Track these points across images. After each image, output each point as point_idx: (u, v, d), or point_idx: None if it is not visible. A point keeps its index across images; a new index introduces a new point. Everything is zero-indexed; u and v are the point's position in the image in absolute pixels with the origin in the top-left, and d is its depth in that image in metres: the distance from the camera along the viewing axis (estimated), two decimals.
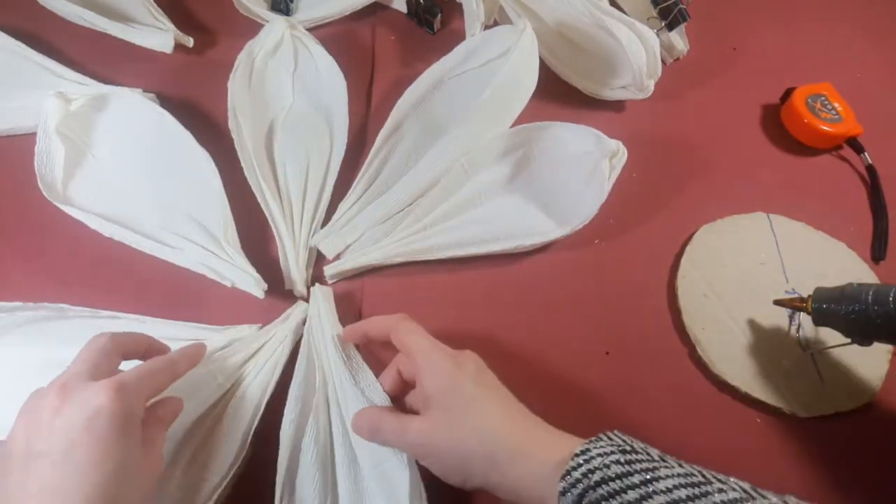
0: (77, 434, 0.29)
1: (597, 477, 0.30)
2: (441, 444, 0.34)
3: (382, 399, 0.40)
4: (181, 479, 0.38)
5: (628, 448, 0.31)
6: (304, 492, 0.38)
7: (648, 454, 0.31)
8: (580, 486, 0.30)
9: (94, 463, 0.29)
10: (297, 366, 0.42)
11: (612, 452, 0.31)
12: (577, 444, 0.32)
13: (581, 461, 0.31)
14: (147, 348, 0.37)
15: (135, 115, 0.51)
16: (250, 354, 0.42)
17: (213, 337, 0.43)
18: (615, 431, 0.33)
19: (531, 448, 0.33)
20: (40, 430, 0.30)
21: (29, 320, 0.43)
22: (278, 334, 0.44)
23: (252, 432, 0.40)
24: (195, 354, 0.39)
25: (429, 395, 0.36)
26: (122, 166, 0.49)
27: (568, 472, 0.31)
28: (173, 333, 0.43)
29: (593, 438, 0.32)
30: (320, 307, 0.45)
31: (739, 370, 0.45)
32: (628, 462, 0.30)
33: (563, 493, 0.30)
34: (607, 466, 0.30)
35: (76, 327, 0.43)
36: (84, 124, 0.50)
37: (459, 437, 0.34)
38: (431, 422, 0.35)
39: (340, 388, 0.40)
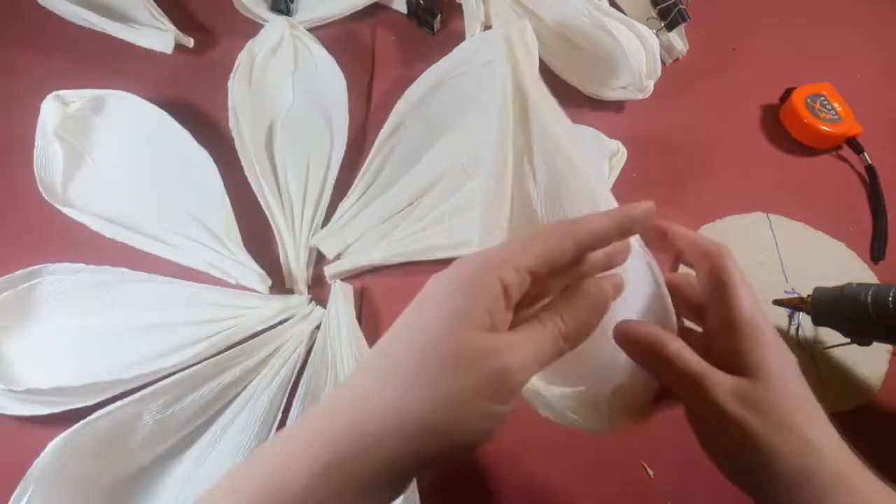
0: None
1: None
2: (756, 424, 0.27)
3: None
4: (196, 471, 0.38)
5: None
6: None
7: None
8: None
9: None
10: (310, 359, 0.43)
11: None
12: None
13: None
14: None
15: (133, 115, 0.51)
16: (264, 357, 0.42)
17: (262, 305, 0.45)
18: None
19: (861, 490, 0.27)
20: None
21: (95, 283, 0.43)
22: (294, 339, 0.44)
23: (269, 437, 0.40)
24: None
25: (751, 363, 0.28)
26: (121, 167, 0.49)
27: None
28: (220, 300, 0.44)
29: None
30: (339, 305, 0.45)
31: None
32: None
33: None
34: None
35: (152, 292, 0.44)
36: (82, 127, 0.50)
37: (785, 431, 0.27)
38: (755, 392, 0.27)
39: None
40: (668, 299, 0.31)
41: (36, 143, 0.48)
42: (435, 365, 0.23)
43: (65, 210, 0.46)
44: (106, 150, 0.50)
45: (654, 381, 0.31)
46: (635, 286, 0.30)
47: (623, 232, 0.27)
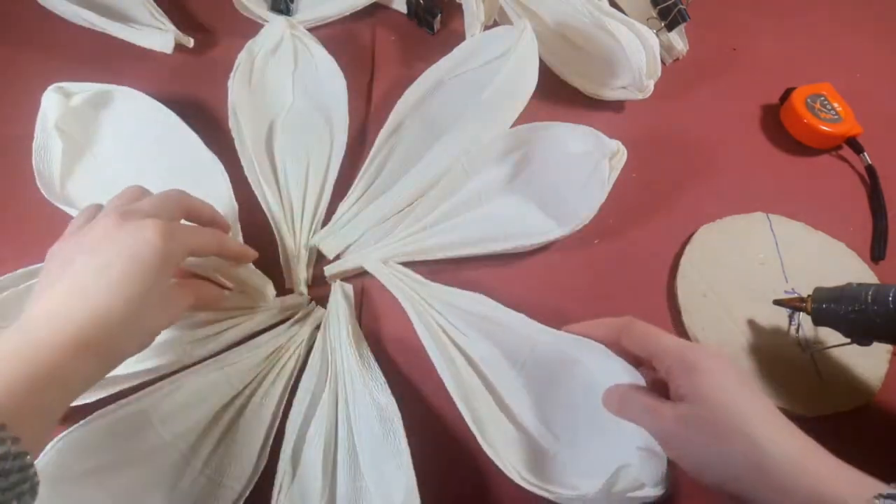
0: (118, 254, 0.33)
1: None
2: (701, 438, 0.32)
3: (389, 401, 0.39)
4: (201, 471, 0.38)
5: None
6: (304, 484, 0.38)
7: None
8: None
9: (124, 281, 0.32)
10: (310, 359, 0.43)
11: None
12: (870, 482, 0.30)
13: (891, 502, 0.28)
14: (209, 219, 0.41)
15: (139, 113, 0.51)
16: (264, 357, 0.42)
17: (262, 305, 0.45)
18: None
19: (812, 468, 0.30)
20: (87, 243, 0.34)
21: None
22: (294, 339, 0.44)
23: (271, 441, 0.40)
24: (244, 251, 0.42)
25: (687, 392, 0.34)
26: (123, 165, 0.49)
27: None
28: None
29: None
30: (339, 305, 0.45)
31: None
32: None
33: None
34: None
35: None
36: (84, 121, 0.49)
37: (726, 437, 0.32)
38: (693, 412, 0.33)
39: (350, 387, 0.41)
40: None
41: (35, 136, 0.47)
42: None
43: (63, 207, 0.46)
44: (108, 146, 0.50)
45: None
46: (613, 381, 0.38)
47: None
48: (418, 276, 0.46)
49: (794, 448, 0.31)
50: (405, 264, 0.48)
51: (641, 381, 0.38)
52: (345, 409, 0.40)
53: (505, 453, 0.38)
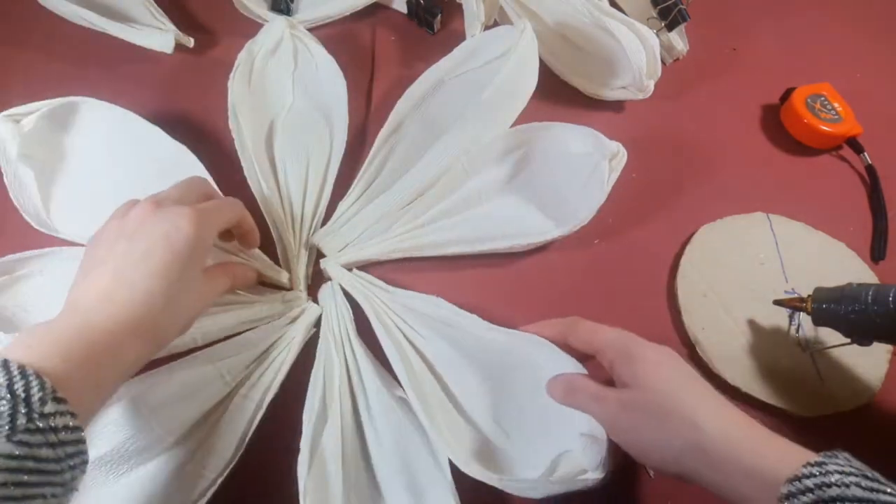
0: (156, 242, 0.34)
1: (833, 493, 0.28)
2: (643, 421, 0.34)
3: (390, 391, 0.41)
4: (185, 468, 0.39)
5: (870, 476, 0.29)
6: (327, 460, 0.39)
7: (894, 489, 0.28)
8: (810, 495, 0.28)
9: (163, 269, 0.34)
10: (315, 363, 0.43)
11: (853, 474, 0.28)
12: (799, 451, 0.31)
13: (815, 471, 0.29)
14: (222, 205, 0.42)
15: (99, 121, 0.50)
16: (258, 354, 0.43)
17: (261, 303, 0.45)
18: (849, 454, 0.30)
19: (746, 443, 0.32)
20: (127, 229, 0.35)
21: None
22: (287, 335, 0.44)
23: (251, 433, 0.40)
24: (255, 229, 0.44)
25: (629, 380, 0.36)
26: (99, 176, 0.48)
27: (797, 478, 0.29)
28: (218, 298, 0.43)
29: (828, 453, 0.30)
30: (338, 303, 0.46)
31: (739, 370, 0.45)
32: (871, 489, 0.28)
33: (788, 497, 0.29)
34: (846, 486, 0.28)
35: None
36: (46, 141, 0.48)
37: (666, 419, 0.34)
38: (635, 397, 0.35)
39: (368, 377, 0.42)
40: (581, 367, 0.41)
41: (3, 172, 0.46)
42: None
43: (53, 234, 0.46)
44: (79, 162, 0.49)
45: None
46: (555, 367, 0.41)
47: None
48: (380, 282, 0.47)
49: (730, 425, 0.33)
50: (402, 260, 0.48)
51: (585, 373, 0.40)
52: (363, 396, 0.41)
53: (454, 444, 0.39)
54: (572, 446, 0.38)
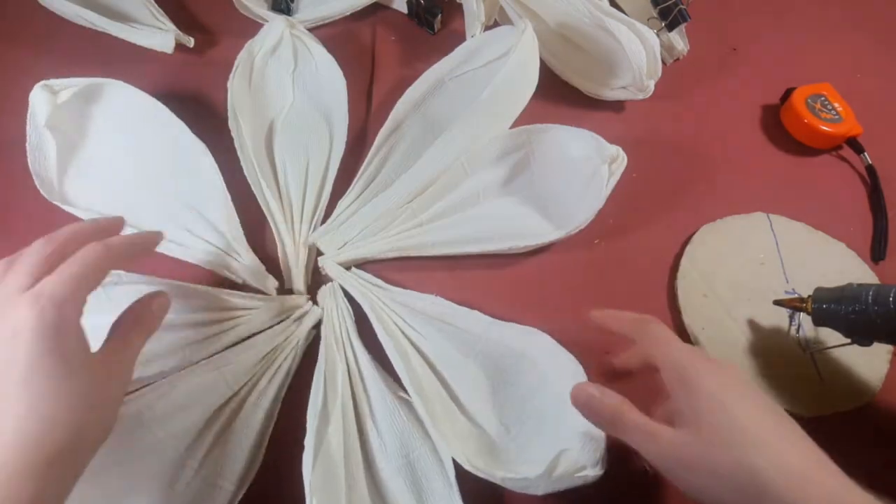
0: (9, 349, 0.24)
1: None
2: (696, 467, 0.31)
3: (393, 394, 0.41)
4: (196, 472, 0.38)
5: None
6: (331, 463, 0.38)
7: None
8: None
9: (23, 398, 0.24)
10: (317, 364, 0.43)
11: None
12: (870, 499, 0.29)
13: None
14: (74, 265, 0.29)
15: (128, 105, 0.50)
16: (261, 357, 0.42)
17: (260, 304, 0.45)
18: None
19: (814, 491, 0.29)
20: None
21: None
22: (291, 339, 0.44)
23: (266, 441, 0.40)
24: (144, 239, 0.34)
25: (686, 412, 0.32)
26: (118, 159, 0.49)
27: None
28: (218, 300, 0.44)
29: None
30: (338, 302, 0.45)
31: None
32: None
33: None
34: None
35: (121, 294, 0.41)
36: (75, 117, 0.49)
37: (723, 468, 0.30)
38: (690, 441, 0.32)
39: (369, 378, 0.42)
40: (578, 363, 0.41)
41: (28, 136, 0.47)
42: None
43: (61, 205, 0.46)
44: (101, 141, 0.49)
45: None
46: (558, 373, 0.41)
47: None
48: (379, 281, 0.47)
49: (798, 472, 0.30)
50: (401, 259, 0.48)
51: (582, 372, 0.40)
52: (364, 398, 0.41)
53: (455, 442, 0.39)
54: (571, 444, 0.38)
